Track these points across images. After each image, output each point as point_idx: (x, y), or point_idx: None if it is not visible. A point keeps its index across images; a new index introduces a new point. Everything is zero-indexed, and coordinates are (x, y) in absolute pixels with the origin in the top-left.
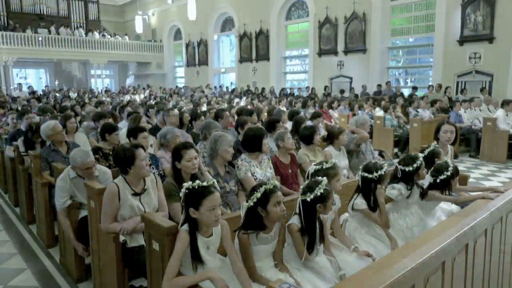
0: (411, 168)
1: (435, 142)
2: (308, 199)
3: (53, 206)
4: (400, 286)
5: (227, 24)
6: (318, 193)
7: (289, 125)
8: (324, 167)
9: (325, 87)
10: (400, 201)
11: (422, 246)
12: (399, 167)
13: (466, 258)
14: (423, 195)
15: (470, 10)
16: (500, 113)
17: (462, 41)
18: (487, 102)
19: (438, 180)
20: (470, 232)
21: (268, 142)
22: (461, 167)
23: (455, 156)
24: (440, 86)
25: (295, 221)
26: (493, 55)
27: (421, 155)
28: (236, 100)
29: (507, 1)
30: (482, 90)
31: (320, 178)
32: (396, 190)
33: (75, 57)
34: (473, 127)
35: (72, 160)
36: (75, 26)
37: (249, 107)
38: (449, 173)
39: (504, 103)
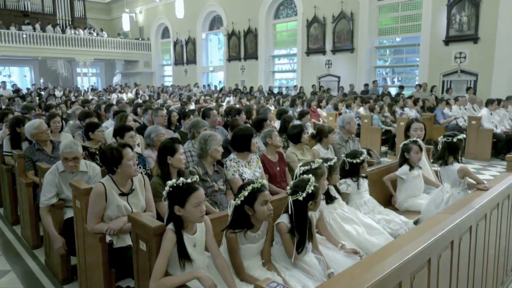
0: (358, 160)
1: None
2: (301, 198)
3: (37, 206)
4: (387, 284)
5: (215, 23)
6: (310, 191)
7: (277, 124)
8: (312, 167)
9: (313, 86)
10: (352, 193)
11: (408, 244)
12: (347, 160)
13: (451, 255)
14: (445, 160)
15: (456, 11)
16: (484, 112)
17: (448, 41)
18: (472, 101)
19: (455, 140)
20: (455, 229)
21: (257, 142)
22: None
23: None
24: (426, 85)
25: (284, 220)
26: (477, 55)
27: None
28: (227, 99)
29: (491, 2)
30: (468, 89)
31: (306, 176)
32: (344, 184)
33: (60, 55)
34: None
35: (60, 148)
36: (63, 24)
37: (237, 106)
38: (461, 137)
39: (488, 102)
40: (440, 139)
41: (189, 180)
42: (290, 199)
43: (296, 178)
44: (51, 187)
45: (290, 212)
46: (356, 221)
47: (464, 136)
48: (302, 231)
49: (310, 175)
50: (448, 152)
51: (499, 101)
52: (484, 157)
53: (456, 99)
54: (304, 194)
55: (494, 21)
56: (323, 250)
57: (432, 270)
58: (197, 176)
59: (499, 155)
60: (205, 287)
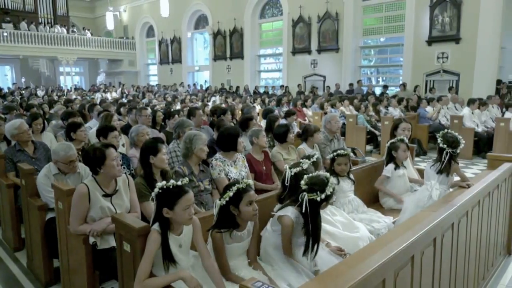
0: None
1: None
2: (319, 199)
3: (19, 208)
4: (371, 281)
5: (200, 22)
6: (329, 192)
7: (263, 123)
8: (303, 168)
9: (298, 85)
10: (337, 192)
11: (392, 241)
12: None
13: (434, 252)
14: (447, 170)
15: (438, 12)
16: (466, 111)
17: (431, 41)
18: (454, 100)
19: (458, 151)
20: (438, 227)
21: (243, 141)
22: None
23: (424, 153)
24: (406, 85)
25: (289, 213)
26: (459, 55)
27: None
28: (213, 98)
29: (472, 2)
30: (450, 89)
31: (323, 174)
32: None
33: (42, 54)
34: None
35: (54, 154)
36: (44, 22)
37: (223, 105)
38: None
39: (470, 102)
40: (443, 145)
41: (179, 183)
42: (306, 196)
43: (287, 180)
44: (49, 187)
45: (303, 211)
46: (336, 223)
47: (464, 142)
48: (314, 233)
49: (331, 177)
50: (450, 161)
51: (480, 100)
52: (466, 155)
53: (439, 99)
54: (323, 196)
55: (475, 21)
56: (327, 257)
57: (416, 266)
58: (187, 179)
59: (480, 154)
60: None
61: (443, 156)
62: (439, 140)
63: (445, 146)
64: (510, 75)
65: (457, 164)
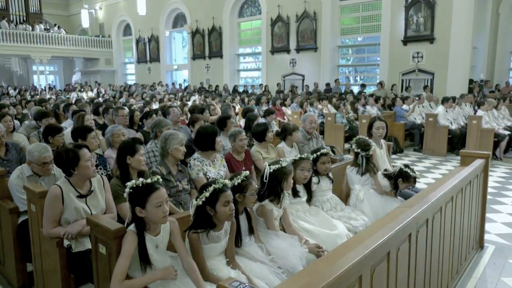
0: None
1: (368, 137)
2: (200, 202)
3: None
4: (348, 277)
5: (179, 20)
6: (200, 203)
7: (242, 122)
8: (282, 165)
9: (278, 84)
10: (316, 191)
11: (368, 238)
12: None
13: (409, 248)
14: (370, 169)
15: (413, 12)
16: (440, 109)
17: (406, 41)
18: (429, 99)
19: (370, 153)
20: (413, 223)
21: (221, 140)
22: (406, 161)
23: (401, 151)
24: (382, 83)
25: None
26: (433, 54)
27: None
28: (193, 98)
29: (445, 4)
30: (425, 87)
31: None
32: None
33: (14, 52)
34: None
35: (29, 154)
36: (17, 20)
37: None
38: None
39: (444, 100)
40: (357, 150)
41: (148, 180)
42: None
43: (265, 177)
44: (23, 189)
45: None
46: (314, 222)
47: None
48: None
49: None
50: (368, 162)
51: (454, 99)
52: (440, 152)
53: (418, 97)
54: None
55: (448, 22)
56: (280, 244)
57: (391, 262)
58: (159, 176)
59: (454, 150)
60: (170, 277)
61: (359, 159)
62: (353, 146)
63: (359, 150)
64: (482, 74)
65: (375, 172)
